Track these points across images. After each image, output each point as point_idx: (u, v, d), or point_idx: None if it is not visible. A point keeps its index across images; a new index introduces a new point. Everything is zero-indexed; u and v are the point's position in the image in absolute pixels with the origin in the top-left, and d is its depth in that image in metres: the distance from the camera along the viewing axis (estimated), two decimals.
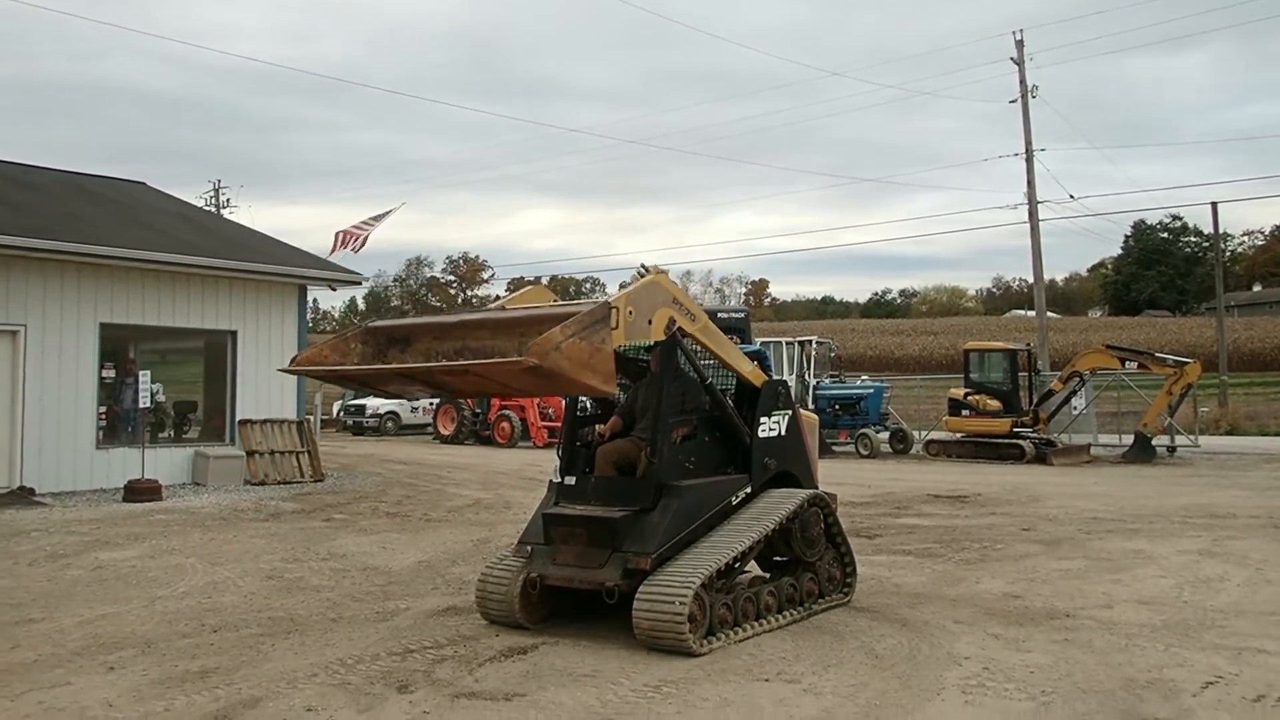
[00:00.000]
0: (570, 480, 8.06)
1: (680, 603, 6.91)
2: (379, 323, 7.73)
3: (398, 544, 12.05)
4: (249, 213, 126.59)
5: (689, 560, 7.38)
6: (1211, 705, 5.98)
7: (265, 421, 19.15)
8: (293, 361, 7.31)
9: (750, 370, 8.50)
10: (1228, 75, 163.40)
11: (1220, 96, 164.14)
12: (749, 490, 8.30)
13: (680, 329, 7.59)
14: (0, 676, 6.59)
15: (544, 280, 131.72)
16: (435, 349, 7.32)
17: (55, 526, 13.12)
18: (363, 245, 30.14)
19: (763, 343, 27.98)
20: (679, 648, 6.92)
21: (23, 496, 15.59)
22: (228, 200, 71.03)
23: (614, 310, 6.77)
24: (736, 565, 7.80)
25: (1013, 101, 37.08)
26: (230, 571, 10.28)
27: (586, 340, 6.18)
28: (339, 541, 12.24)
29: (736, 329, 8.73)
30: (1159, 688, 6.33)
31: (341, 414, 40.97)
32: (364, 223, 30.76)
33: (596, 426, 8.46)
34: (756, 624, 7.65)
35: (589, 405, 8.86)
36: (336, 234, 30.20)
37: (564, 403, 8.56)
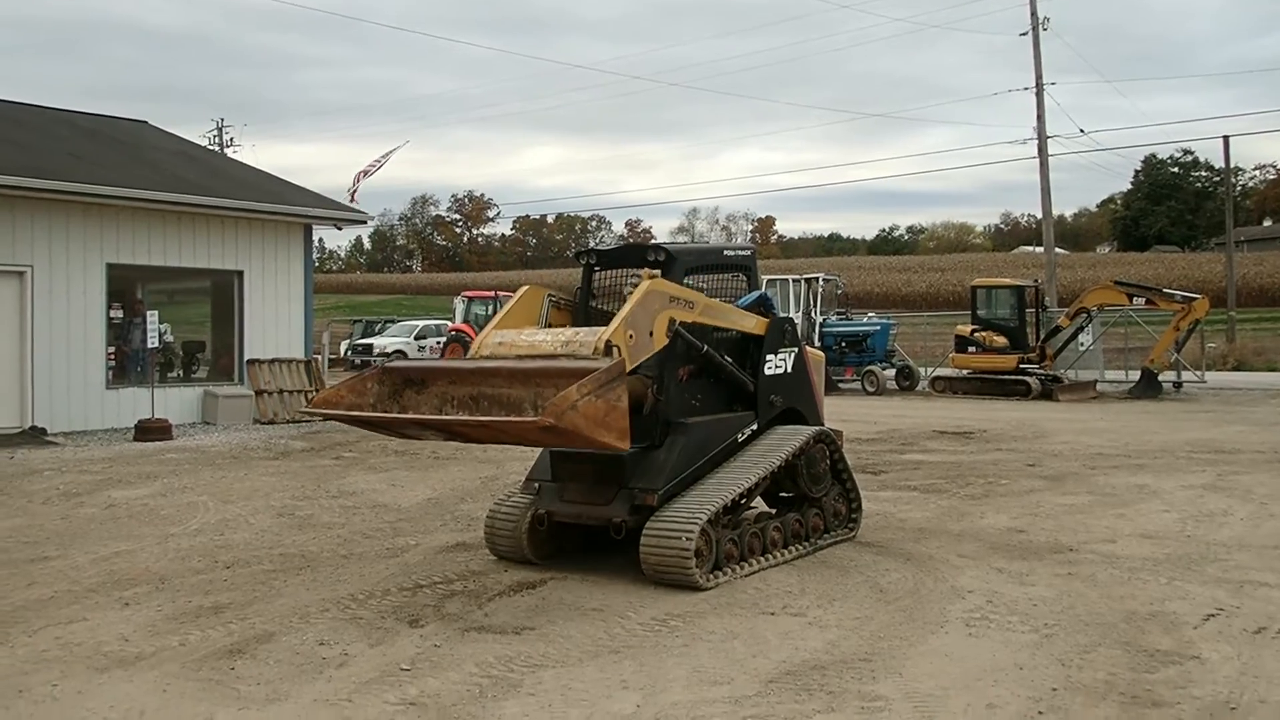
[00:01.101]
0: None
1: (686, 538, 6.98)
2: (395, 364, 7.77)
3: (406, 481, 12.15)
4: (252, 152, 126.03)
5: (695, 496, 7.44)
6: (1212, 637, 6.05)
7: (273, 361, 19.22)
8: (310, 403, 7.36)
9: (754, 325, 8.50)
10: (1247, 2, 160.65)
11: (1237, 27, 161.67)
12: (755, 427, 8.35)
13: (681, 324, 7.57)
14: (18, 613, 6.70)
15: (549, 218, 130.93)
16: (450, 393, 7.36)
17: (68, 465, 13.24)
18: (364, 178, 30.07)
19: (769, 280, 27.93)
20: (685, 582, 6.99)
21: (35, 436, 15.71)
22: (231, 139, 70.57)
23: (616, 350, 6.83)
24: (742, 501, 7.87)
25: (1023, 34, 36.64)
26: (241, 509, 10.38)
27: (602, 398, 6.21)
28: (348, 479, 12.35)
29: (742, 266, 8.62)
30: (1160, 620, 6.40)
31: (349, 353, 41.09)
32: (372, 163, 30.70)
33: None
34: (762, 559, 7.73)
35: None
36: (357, 175, 30.13)
37: None
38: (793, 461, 8.16)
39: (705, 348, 7.85)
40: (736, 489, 7.55)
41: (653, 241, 10.72)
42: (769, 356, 8.54)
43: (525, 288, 8.28)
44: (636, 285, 9.26)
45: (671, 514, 7.20)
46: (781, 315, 9.09)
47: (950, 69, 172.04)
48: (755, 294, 8.85)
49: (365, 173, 29.43)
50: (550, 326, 7.99)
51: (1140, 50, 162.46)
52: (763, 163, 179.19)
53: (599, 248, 9.01)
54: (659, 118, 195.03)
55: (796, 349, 8.86)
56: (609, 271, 8.81)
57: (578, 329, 7.41)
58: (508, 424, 6.26)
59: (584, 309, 8.59)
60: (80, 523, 9.73)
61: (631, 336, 7.08)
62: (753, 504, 8.39)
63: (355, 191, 28.22)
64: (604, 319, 7.72)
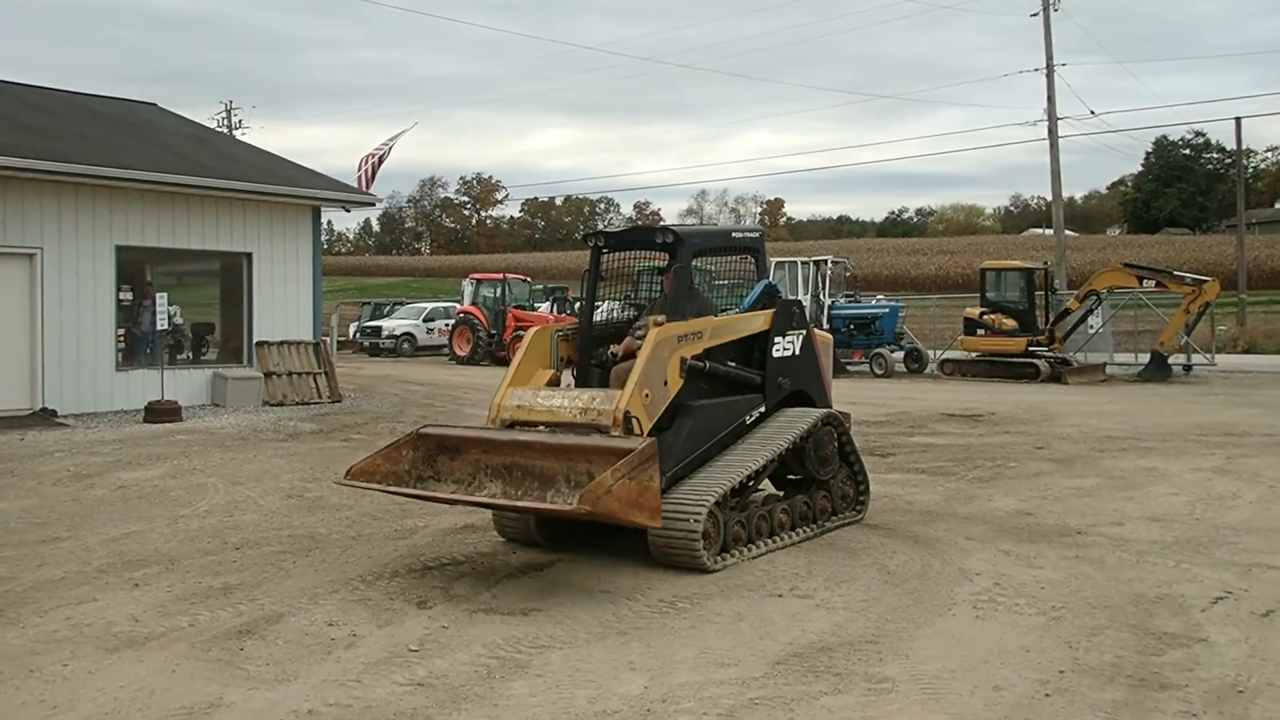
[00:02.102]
0: None
1: (694, 520, 6.99)
2: (429, 430, 7.85)
3: None
4: (261, 134, 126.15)
5: (703, 479, 7.45)
6: (1220, 620, 6.05)
7: (282, 343, 19.24)
8: (348, 474, 7.43)
9: (761, 322, 8.51)
10: None
11: (1249, 6, 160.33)
12: (763, 410, 8.35)
13: (693, 359, 7.69)
14: (29, 593, 6.74)
15: (558, 200, 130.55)
16: (484, 461, 7.51)
17: (78, 447, 13.29)
18: (380, 163, 29.81)
19: (777, 263, 27.86)
20: (693, 564, 7.01)
21: (45, 418, 15.77)
22: (239, 121, 70.65)
23: (635, 421, 7.07)
24: (750, 484, 7.88)
25: (1034, 15, 36.37)
26: (251, 490, 10.42)
27: (635, 480, 6.39)
28: (357, 461, 12.34)
29: (750, 248, 8.62)
30: (1168, 603, 6.40)
31: (358, 335, 41.10)
32: (378, 147, 30.44)
33: (611, 346, 8.49)
34: (770, 541, 7.74)
35: (612, 309, 8.86)
36: (361, 164, 29.79)
37: (579, 323, 8.59)
38: (800, 444, 8.16)
39: (708, 366, 7.89)
40: (744, 471, 7.55)
41: (661, 224, 10.70)
42: (776, 339, 8.54)
43: (532, 332, 8.40)
44: (644, 270, 9.30)
45: (679, 497, 7.21)
46: (789, 298, 9.09)
47: (961, 50, 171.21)
48: (761, 285, 8.81)
49: (374, 156, 29.05)
50: (562, 360, 8.28)
51: (1152, 31, 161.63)
52: (773, 144, 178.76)
53: (607, 230, 9.01)
54: (669, 99, 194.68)
55: (804, 331, 8.86)
56: (617, 254, 8.84)
57: (594, 393, 7.51)
58: (544, 511, 6.36)
59: (592, 291, 8.61)
60: (90, 504, 9.77)
61: (647, 395, 7.28)
62: (760, 486, 8.39)
63: (363, 178, 27.87)
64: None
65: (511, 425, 7.74)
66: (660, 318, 7.63)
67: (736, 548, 7.44)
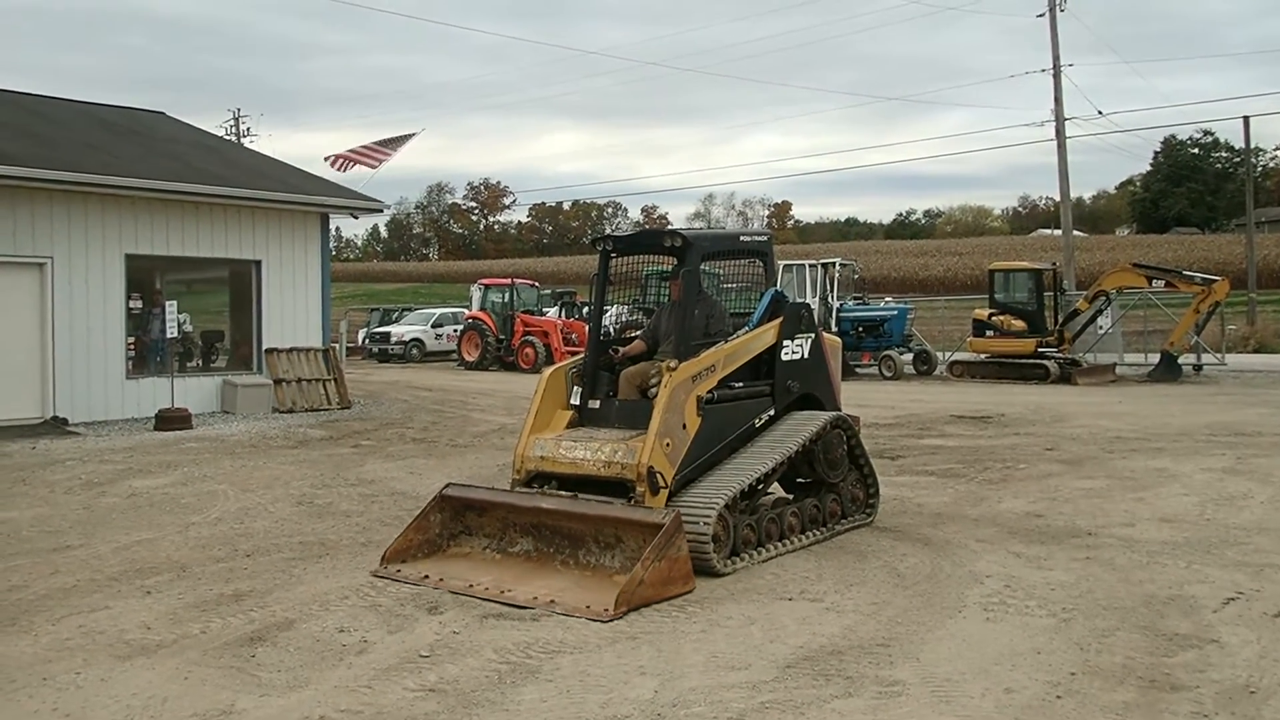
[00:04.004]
0: (594, 404, 8.14)
1: (704, 523, 7.00)
2: (450, 492, 7.90)
3: (424, 469, 12.19)
4: (269, 141, 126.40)
5: (712, 482, 7.47)
6: (1232, 621, 6.04)
7: (291, 350, 19.28)
8: (383, 561, 7.45)
9: (771, 337, 8.53)
10: None
11: (1258, 5, 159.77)
12: (772, 413, 8.36)
13: (708, 393, 7.76)
14: (41, 601, 6.76)
15: (565, 205, 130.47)
16: (511, 519, 7.60)
17: (89, 455, 13.34)
18: (378, 166, 29.33)
19: (785, 265, 27.85)
20: (703, 568, 7.00)
21: (56, 426, 15.83)
22: (248, 129, 70.98)
23: (659, 475, 7.16)
24: (760, 488, 7.88)
25: (1040, 15, 36.35)
26: (261, 497, 10.45)
27: (665, 558, 6.49)
28: (367, 467, 12.40)
29: (759, 252, 8.62)
30: (1179, 604, 6.39)
31: (367, 341, 41.12)
32: (375, 145, 29.94)
33: (619, 349, 8.53)
34: (780, 544, 7.74)
35: (612, 329, 8.89)
36: (332, 158, 29.12)
37: (587, 327, 8.64)
38: (810, 447, 8.17)
39: (716, 396, 7.91)
40: (754, 474, 7.56)
41: (669, 227, 10.71)
42: (785, 342, 8.55)
43: (547, 373, 8.39)
44: (651, 273, 9.32)
45: (689, 499, 7.23)
46: (797, 301, 9.10)
47: (968, 50, 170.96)
48: (769, 295, 8.78)
49: (351, 157, 28.58)
50: (576, 387, 8.27)
51: (1160, 30, 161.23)
52: (781, 147, 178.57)
53: (616, 234, 9.04)
54: (678, 103, 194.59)
55: (813, 335, 8.87)
56: (626, 258, 8.87)
57: (616, 444, 7.52)
58: (582, 615, 6.34)
59: (601, 295, 8.63)
60: (102, 512, 9.81)
61: (668, 444, 7.32)
62: (770, 490, 8.39)
63: (341, 163, 27.37)
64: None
65: (536, 476, 7.84)
66: (673, 362, 7.60)
67: (747, 551, 7.44)
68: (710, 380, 7.78)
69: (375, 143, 30.04)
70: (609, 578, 6.82)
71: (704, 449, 7.68)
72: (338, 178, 26.43)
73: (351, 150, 29.29)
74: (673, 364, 7.57)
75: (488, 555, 7.58)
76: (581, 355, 8.64)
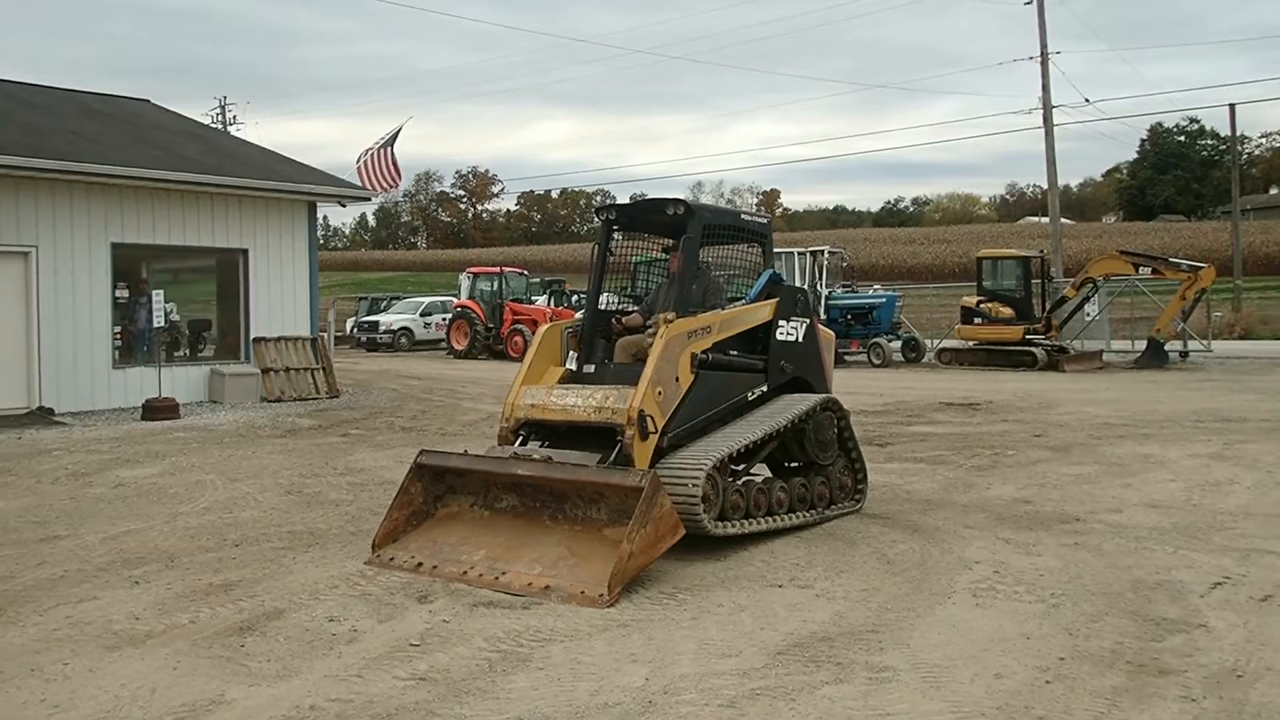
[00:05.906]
0: (589, 369, 8.18)
1: (694, 484, 7.04)
2: (423, 460, 7.80)
3: (413, 458, 12.14)
4: (256, 129, 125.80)
5: (703, 445, 7.55)
6: (1219, 605, 6.07)
7: (279, 339, 19.22)
8: (374, 547, 7.40)
9: (767, 313, 8.58)
10: None
11: None
12: (764, 390, 8.41)
13: (703, 353, 7.79)
14: (28, 592, 6.73)
15: (554, 193, 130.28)
16: (493, 478, 7.53)
17: (76, 445, 13.28)
18: (390, 163, 29.03)
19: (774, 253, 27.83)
20: (693, 527, 6.98)
21: (42, 416, 15.75)
22: (234, 117, 70.60)
23: (649, 419, 7.15)
24: (747, 466, 7.94)
25: (1029, 2, 36.34)
26: (249, 487, 10.42)
27: (650, 523, 6.45)
28: (356, 456, 12.37)
29: (758, 235, 8.66)
30: (1167, 589, 6.42)
31: (355, 330, 41.07)
32: (386, 159, 29.63)
33: (620, 319, 8.57)
34: (768, 520, 7.76)
35: (610, 301, 8.89)
36: (367, 167, 28.98)
37: (587, 292, 8.70)
38: (800, 426, 8.21)
39: (711, 359, 7.94)
40: (744, 440, 7.64)
41: (673, 196, 10.71)
42: (780, 323, 8.62)
43: (543, 329, 8.45)
44: (641, 261, 9.31)
45: (679, 461, 7.29)
46: (794, 285, 9.16)
47: (958, 37, 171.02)
48: (766, 275, 8.87)
49: (379, 156, 28.38)
50: (572, 352, 8.29)
51: (1147, 17, 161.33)
52: (771, 134, 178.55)
53: (618, 203, 9.04)
54: (668, 90, 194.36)
55: (808, 320, 8.93)
56: (621, 240, 8.94)
57: (608, 390, 7.54)
58: (571, 598, 6.34)
59: (602, 265, 8.62)
60: (89, 502, 9.77)
61: (660, 392, 7.33)
62: (756, 472, 8.42)
63: (373, 178, 27.20)
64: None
65: (526, 423, 7.86)
66: (670, 314, 7.65)
67: (735, 519, 7.47)
68: (705, 341, 7.82)
69: (379, 145, 29.75)
70: (599, 533, 6.81)
71: (695, 413, 7.74)
72: (331, 166, 26.19)
73: (373, 162, 28.97)
74: (670, 315, 7.62)
75: (476, 513, 7.54)
76: (578, 318, 8.66)
